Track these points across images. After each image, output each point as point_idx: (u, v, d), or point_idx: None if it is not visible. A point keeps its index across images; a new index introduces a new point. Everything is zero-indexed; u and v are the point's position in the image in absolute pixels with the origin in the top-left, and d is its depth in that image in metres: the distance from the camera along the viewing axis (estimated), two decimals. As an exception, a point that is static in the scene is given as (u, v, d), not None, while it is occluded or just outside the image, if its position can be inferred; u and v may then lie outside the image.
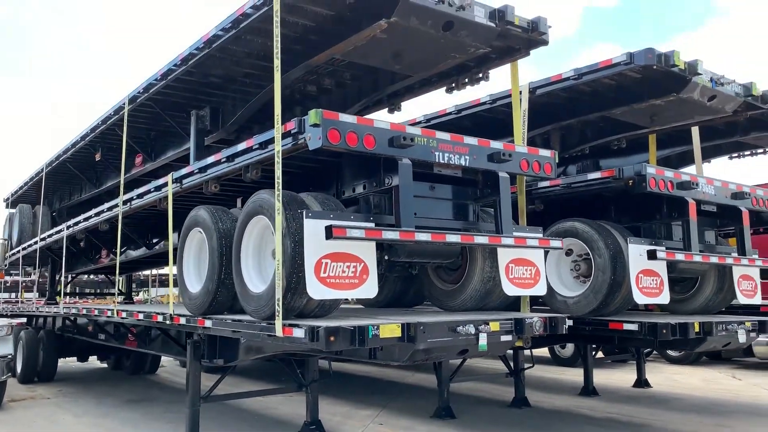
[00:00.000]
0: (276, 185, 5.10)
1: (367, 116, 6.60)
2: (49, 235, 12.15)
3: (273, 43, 6.48)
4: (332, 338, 4.62)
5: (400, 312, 7.09)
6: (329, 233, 4.77)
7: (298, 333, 4.80)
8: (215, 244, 6.13)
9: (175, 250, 7.19)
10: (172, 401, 11.28)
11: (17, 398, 11.42)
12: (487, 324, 5.43)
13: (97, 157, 10.99)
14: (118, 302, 16.11)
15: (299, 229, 4.99)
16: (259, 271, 5.74)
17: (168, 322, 6.93)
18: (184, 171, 7.00)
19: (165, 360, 15.60)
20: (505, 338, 5.60)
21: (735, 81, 7.73)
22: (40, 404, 11.08)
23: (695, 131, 9.49)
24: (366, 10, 5.61)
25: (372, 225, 5.12)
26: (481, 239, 5.57)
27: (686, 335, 6.57)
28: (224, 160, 6.15)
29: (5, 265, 12.65)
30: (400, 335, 4.92)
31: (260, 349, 6.90)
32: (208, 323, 6.12)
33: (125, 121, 8.59)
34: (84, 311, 10.30)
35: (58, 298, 14.22)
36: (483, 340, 5.36)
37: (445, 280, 6.87)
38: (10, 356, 10.50)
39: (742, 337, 7.22)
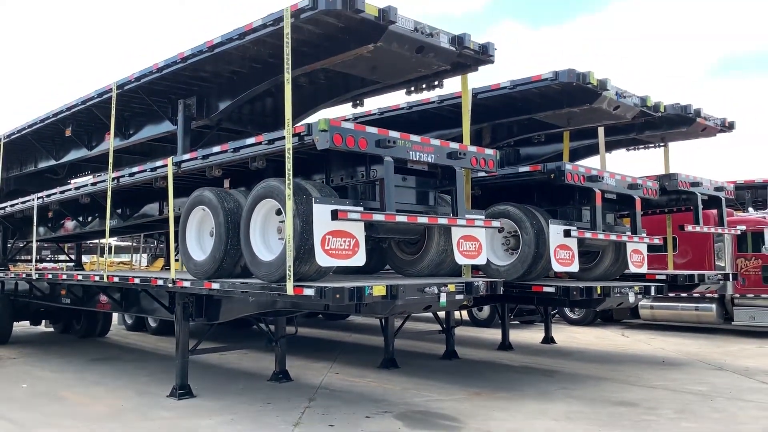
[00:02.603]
0: (286, 176, 6.41)
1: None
2: (12, 205, 12.70)
3: (264, 49, 7.74)
4: (338, 296, 6.05)
5: (368, 277, 8.54)
6: (335, 215, 6.16)
7: (309, 292, 6.19)
8: (222, 220, 7.35)
9: (164, 220, 8.32)
10: (137, 359, 12.34)
11: (-19, 359, 12.10)
12: (446, 286, 7.02)
13: (68, 132, 11.69)
14: (68, 268, 16.70)
15: (308, 211, 6.34)
16: (265, 244, 7.04)
17: (170, 285, 8.09)
18: (185, 156, 8.10)
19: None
20: (458, 297, 7.21)
21: (634, 95, 9.63)
22: (10, 364, 11.83)
23: (601, 130, 11.41)
24: (356, 35, 6.95)
25: (363, 209, 6.52)
26: (442, 220, 7.11)
27: (591, 296, 8.47)
28: (231, 150, 7.33)
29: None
30: (385, 294, 6.40)
31: (244, 309, 8.23)
32: (215, 285, 7.37)
33: (113, 103, 9.49)
34: (64, 276, 11.13)
35: (11, 264, 14.72)
36: (443, 298, 6.96)
37: (405, 252, 8.40)
38: (-17, 318, 11.19)
39: (631, 298, 9.23)
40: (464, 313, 17.91)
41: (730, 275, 12.58)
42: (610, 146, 13.28)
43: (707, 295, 15.64)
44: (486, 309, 17.52)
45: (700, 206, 11.20)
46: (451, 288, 7.05)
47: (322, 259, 6.24)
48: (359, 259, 6.53)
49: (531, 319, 17.20)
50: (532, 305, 13.40)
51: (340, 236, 6.39)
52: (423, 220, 6.89)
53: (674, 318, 16.51)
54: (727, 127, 12.14)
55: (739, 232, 13.09)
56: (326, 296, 6.08)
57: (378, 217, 6.43)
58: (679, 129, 11.62)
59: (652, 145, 13.39)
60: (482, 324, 17.50)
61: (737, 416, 7.80)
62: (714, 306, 15.68)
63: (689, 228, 10.89)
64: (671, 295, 15.81)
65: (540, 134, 11.06)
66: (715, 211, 13.14)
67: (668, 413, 7.91)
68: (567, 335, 15.84)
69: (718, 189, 11.79)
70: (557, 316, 18.75)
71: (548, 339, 14.44)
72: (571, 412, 7.95)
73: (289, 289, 6.33)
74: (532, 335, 15.54)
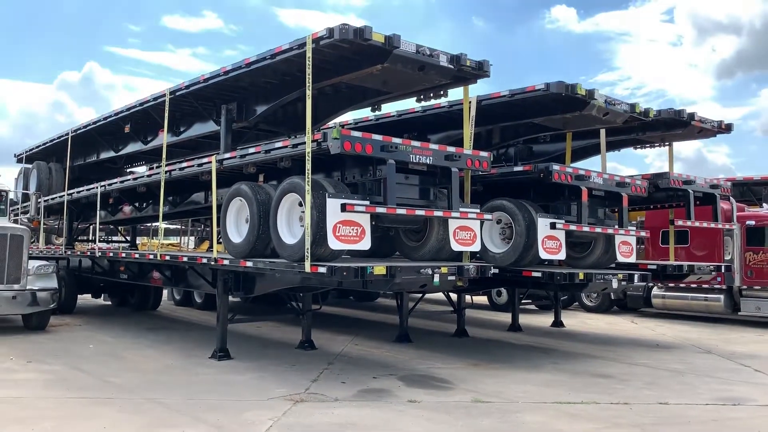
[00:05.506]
0: (306, 174, 7.81)
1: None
2: (78, 191, 14.49)
3: (292, 66, 9.13)
4: (345, 273, 7.45)
5: (379, 260, 9.93)
6: (344, 208, 7.53)
7: (322, 270, 7.60)
8: (255, 209, 8.82)
9: (208, 208, 9.82)
10: (185, 329, 14.03)
11: (53, 324, 13.86)
12: (439, 268, 8.36)
13: (126, 129, 13.38)
14: (122, 248, 18.55)
15: (323, 204, 7.72)
16: (289, 230, 8.48)
17: (213, 263, 9.63)
18: (227, 155, 9.60)
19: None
20: (450, 278, 8.52)
21: (624, 102, 10.71)
22: (77, 329, 13.64)
23: (602, 132, 12.47)
24: (367, 57, 8.28)
25: (368, 203, 7.86)
26: (438, 213, 8.44)
27: (573, 281, 9.67)
28: (263, 152, 8.78)
29: (38, 215, 14.86)
30: (385, 273, 7.77)
31: (274, 285, 9.69)
32: (249, 263, 8.85)
33: (167, 106, 11.04)
34: (123, 255, 12.86)
35: (75, 243, 16.61)
36: (436, 278, 8.29)
37: (410, 239, 9.74)
38: (55, 289, 12.97)
39: (615, 284, 10.37)
40: (484, 298, 19.23)
41: (723, 267, 13.47)
42: (617, 145, 14.34)
43: (716, 286, 16.51)
44: (504, 294, 18.70)
45: (692, 202, 12.16)
46: (444, 270, 8.37)
47: (334, 244, 7.63)
48: (365, 244, 7.90)
49: (547, 305, 18.34)
50: (525, 288, 14.71)
51: (349, 225, 7.76)
52: (420, 212, 8.23)
53: (684, 307, 17.40)
54: (724, 129, 13.03)
55: (730, 227, 13.95)
56: (335, 273, 7.49)
57: (380, 209, 7.78)
58: (676, 131, 12.59)
59: (657, 144, 14.36)
60: (501, 309, 18.65)
61: (697, 388, 8.91)
62: (722, 297, 16.51)
63: (679, 222, 11.91)
64: (681, 285, 16.75)
65: (544, 135, 12.20)
66: (725, 206, 13.99)
67: (637, 384, 9.06)
68: (579, 321, 16.93)
69: (713, 187, 12.73)
70: (576, 303, 19.83)
71: (557, 323, 15.57)
72: (553, 380, 9.18)
73: (307, 267, 7.75)
74: (545, 320, 16.65)
